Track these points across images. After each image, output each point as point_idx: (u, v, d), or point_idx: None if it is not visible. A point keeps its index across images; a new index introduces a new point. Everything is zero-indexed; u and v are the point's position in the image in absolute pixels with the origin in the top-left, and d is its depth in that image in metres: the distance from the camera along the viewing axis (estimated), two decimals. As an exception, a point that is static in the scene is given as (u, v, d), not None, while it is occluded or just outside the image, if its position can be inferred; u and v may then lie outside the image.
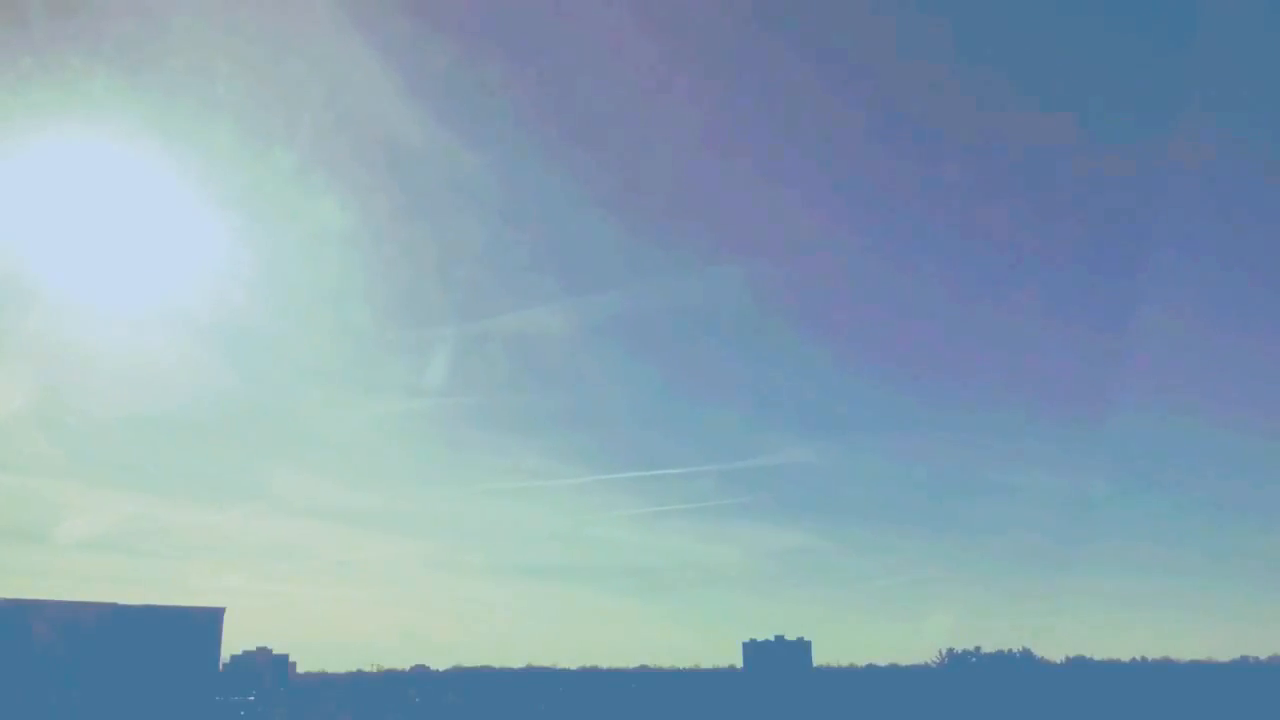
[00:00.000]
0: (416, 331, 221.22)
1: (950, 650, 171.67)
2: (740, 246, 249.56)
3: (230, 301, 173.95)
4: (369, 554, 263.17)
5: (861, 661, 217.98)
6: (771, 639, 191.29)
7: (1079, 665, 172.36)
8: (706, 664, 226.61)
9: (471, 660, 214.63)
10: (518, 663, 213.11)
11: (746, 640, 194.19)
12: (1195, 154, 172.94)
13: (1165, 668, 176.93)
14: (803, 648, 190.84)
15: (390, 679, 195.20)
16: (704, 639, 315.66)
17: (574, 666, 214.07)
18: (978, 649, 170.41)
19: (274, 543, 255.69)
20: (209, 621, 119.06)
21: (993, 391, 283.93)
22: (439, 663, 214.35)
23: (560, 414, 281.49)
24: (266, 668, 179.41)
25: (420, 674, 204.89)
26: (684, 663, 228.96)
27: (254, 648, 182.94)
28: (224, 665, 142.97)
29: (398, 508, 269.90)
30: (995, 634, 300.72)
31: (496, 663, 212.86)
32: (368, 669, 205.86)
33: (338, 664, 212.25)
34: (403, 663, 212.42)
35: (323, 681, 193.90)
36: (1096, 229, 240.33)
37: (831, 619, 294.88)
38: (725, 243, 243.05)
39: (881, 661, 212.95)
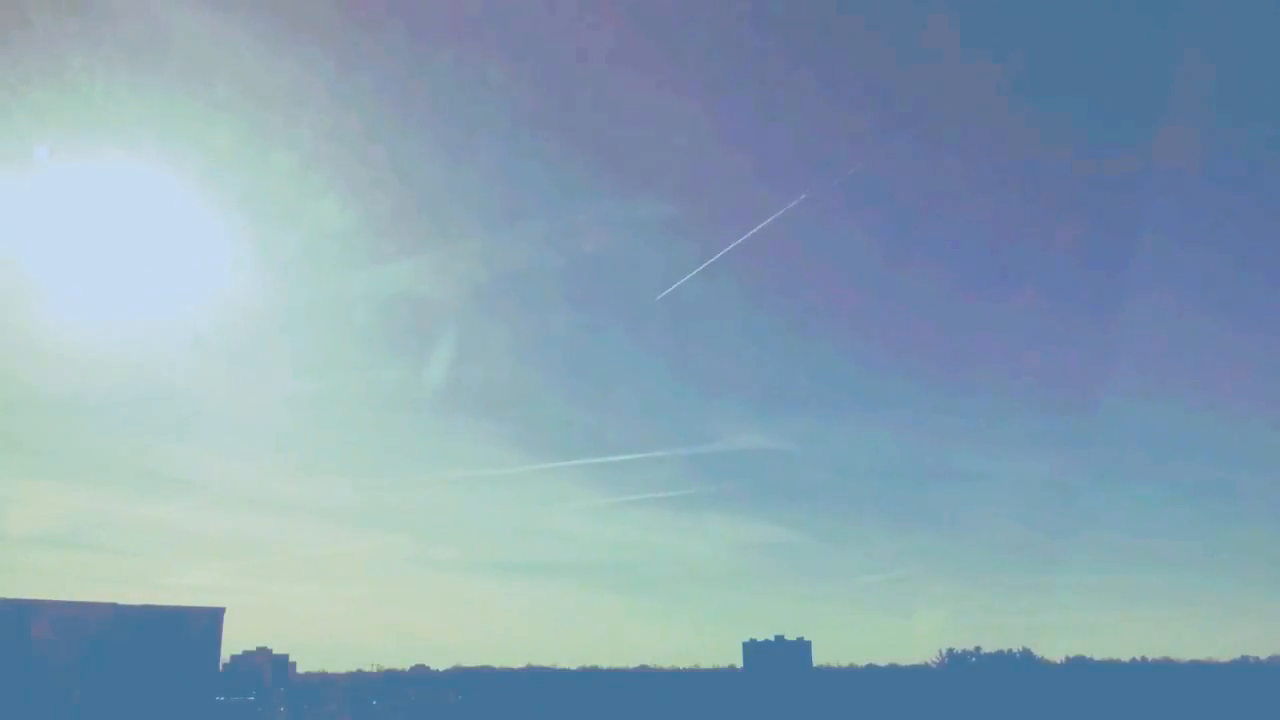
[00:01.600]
0: (315, 290, 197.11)
1: (950, 650, 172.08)
2: (695, 213, 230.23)
3: (189, 295, 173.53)
4: (337, 549, 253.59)
5: (860, 661, 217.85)
6: (771, 639, 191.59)
7: (1079, 665, 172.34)
8: (698, 664, 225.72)
9: (471, 660, 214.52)
10: (517, 662, 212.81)
11: (746, 640, 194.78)
12: (1181, 144, 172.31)
13: (1165, 668, 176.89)
14: (803, 648, 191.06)
15: (390, 679, 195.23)
16: (680, 635, 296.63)
17: (574, 666, 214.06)
18: (978, 649, 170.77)
19: (233, 537, 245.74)
20: (209, 621, 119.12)
21: (972, 375, 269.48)
22: (439, 663, 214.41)
23: (492, 393, 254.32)
24: (266, 668, 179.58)
25: (420, 674, 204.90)
26: (683, 662, 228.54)
27: (254, 648, 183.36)
28: (224, 665, 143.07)
29: (356, 499, 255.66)
30: (987, 631, 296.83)
31: (496, 663, 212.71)
32: (368, 669, 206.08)
33: (337, 664, 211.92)
34: (402, 663, 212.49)
35: (323, 681, 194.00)
36: (1084, 210, 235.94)
37: (820, 616, 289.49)
38: (679, 207, 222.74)
39: (881, 661, 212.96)
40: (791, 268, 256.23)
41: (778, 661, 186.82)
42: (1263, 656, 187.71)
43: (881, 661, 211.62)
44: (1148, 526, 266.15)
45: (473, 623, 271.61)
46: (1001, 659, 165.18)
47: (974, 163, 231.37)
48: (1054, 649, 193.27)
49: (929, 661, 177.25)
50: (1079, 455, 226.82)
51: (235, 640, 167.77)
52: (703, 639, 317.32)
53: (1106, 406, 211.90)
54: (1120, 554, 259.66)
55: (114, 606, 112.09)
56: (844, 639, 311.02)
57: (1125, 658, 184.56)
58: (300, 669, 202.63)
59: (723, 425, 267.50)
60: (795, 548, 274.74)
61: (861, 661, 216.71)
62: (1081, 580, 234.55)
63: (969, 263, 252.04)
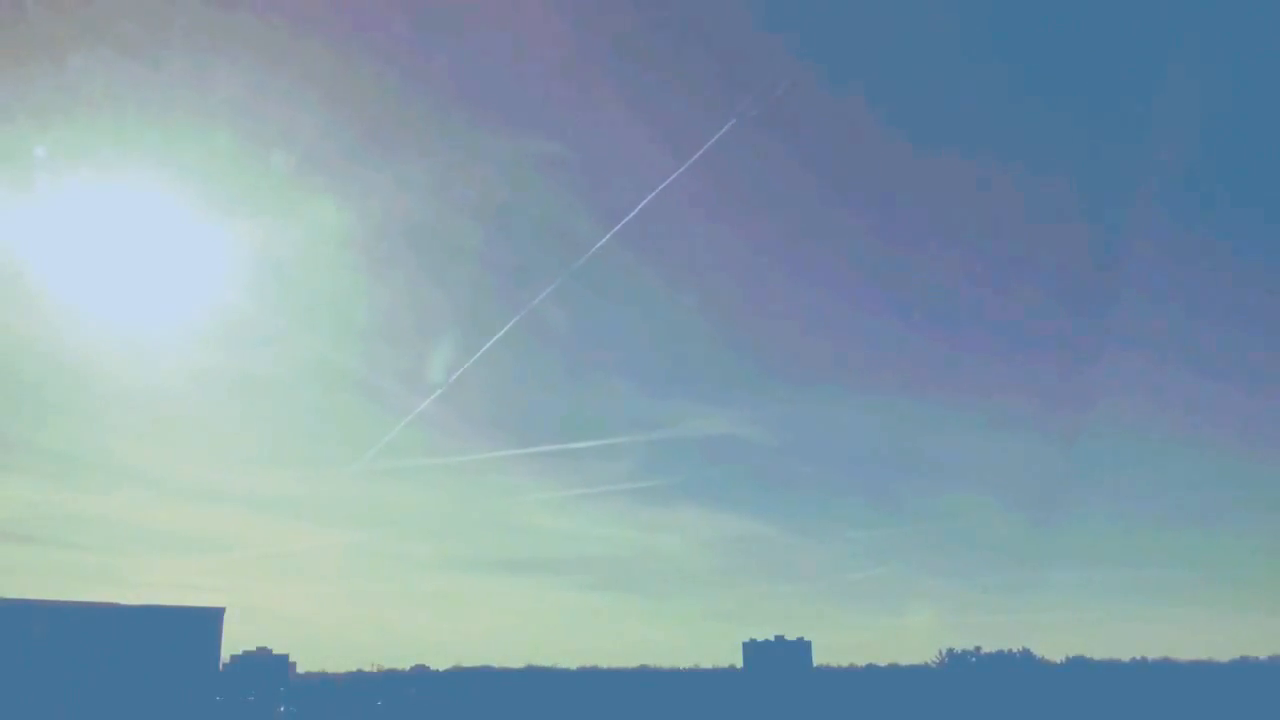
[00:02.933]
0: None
1: (950, 650, 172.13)
2: (634, 187, 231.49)
3: (160, 291, 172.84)
4: (294, 545, 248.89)
5: (860, 661, 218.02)
6: (771, 639, 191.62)
7: (1079, 665, 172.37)
8: (698, 664, 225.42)
9: (471, 660, 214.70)
10: (517, 662, 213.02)
11: (746, 640, 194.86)
12: (1181, 135, 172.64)
13: (1165, 668, 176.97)
14: (803, 648, 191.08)
15: (390, 679, 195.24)
16: (666, 632, 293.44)
17: (573, 666, 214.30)
18: (978, 649, 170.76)
19: (193, 533, 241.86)
20: (209, 621, 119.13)
21: (965, 365, 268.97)
22: (439, 663, 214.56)
23: (426, 372, 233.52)
24: (266, 668, 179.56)
25: (420, 674, 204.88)
26: (683, 662, 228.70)
27: (254, 648, 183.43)
28: (224, 665, 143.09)
29: (298, 491, 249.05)
30: (984, 629, 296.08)
31: (496, 662, 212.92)
32: (368, 669, 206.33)
33: (336, 664, 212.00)
34: (403, 663, 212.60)
35: (323, 681, 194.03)
36: (1078, 203, 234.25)
37: (807, 613, 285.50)
38: (618, 179, 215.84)
39: (881, 661, 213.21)
40: (761, 242, 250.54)
41: (778, 661, 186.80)
42: (1262, 656, 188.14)
43: (882, 661, 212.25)
44: (1147, 524, 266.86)
45: (468, 622, 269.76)
46: (1001, 659, 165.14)
47: (967, 150, 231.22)
48: (1054, 649, 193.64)
49: (929, 661, 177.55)
50: (1077, 450, 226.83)
51: (236, 640, 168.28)
52: (694, 637, 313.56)
53: (1105, 400, 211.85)
54: (1120, 552, 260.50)
55: (114, 606, 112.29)
56: (834, 636, 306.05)
57: (1125, 658, 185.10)
58: (300, 669, 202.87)
59: (681, 410, 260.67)
60: (771, 542, 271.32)
61: (861, 661, 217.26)
62: (1081, 578, 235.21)
63: (963, 248, 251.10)
